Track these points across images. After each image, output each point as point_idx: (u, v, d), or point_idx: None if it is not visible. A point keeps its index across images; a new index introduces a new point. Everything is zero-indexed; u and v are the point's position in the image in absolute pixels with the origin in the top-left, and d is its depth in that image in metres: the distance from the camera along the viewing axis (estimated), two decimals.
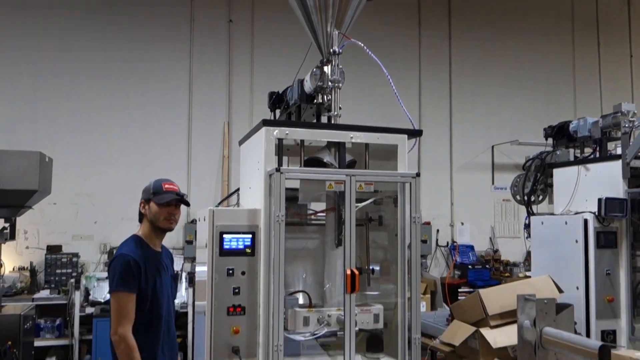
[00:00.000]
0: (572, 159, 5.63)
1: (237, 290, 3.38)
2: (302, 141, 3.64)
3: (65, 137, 7.86)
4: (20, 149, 5.23)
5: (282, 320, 3.19)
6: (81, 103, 8.07)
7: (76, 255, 7.51)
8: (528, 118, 9.69)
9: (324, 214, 3.87)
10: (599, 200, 4.85)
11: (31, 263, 7.47)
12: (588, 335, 4.69)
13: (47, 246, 7.60)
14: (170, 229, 3.01)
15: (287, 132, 3.42)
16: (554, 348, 3.62)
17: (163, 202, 2.93)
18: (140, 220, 3.05)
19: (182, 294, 7.50)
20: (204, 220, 3.57)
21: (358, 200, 3.49)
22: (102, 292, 7.12)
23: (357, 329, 3.37)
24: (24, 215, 5.91)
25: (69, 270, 7.40)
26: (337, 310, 3.46)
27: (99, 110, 8.12)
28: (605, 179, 5.11)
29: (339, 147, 3.57)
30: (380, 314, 3.58)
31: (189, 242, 7.82)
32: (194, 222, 7.70)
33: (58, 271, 7.38)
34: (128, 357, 2.69)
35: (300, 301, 3.71)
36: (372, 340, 3.67)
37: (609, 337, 4.80)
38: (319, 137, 3.51)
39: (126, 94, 8.24)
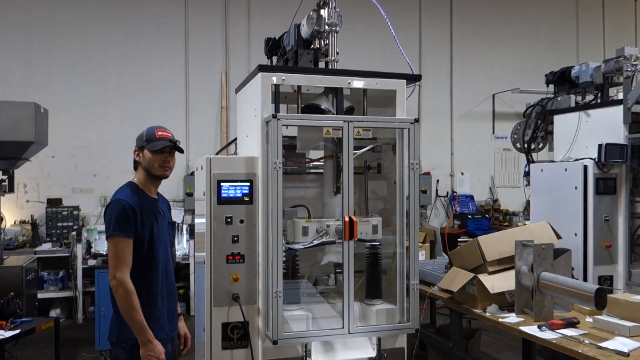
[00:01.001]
0: (573, 105, 5.57)
1: (236, 239, 3.40)
2: (299, 87, 3.58)
3: (61, 90, 7.77)
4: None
5: (282, 267, 3.20)
6: (76, 55, 7.94)
7: (77, 208, 7.53)
8: (530, 66, 9.54)
9: (322, 163, 3.85)
10: (599, 146, 4.81)
11: (32, 216, 7.50)
12: (585, 280, 4.73)
13: (48, 199, 7.61)
14: (165, 176, 2.98)
15: (283, 77, 3.36)
16: (550, 292, 3.67)
17: (156, 149, 2.89)
18: (135, 168, 3.02)
19: (184, 245, 7.56)
20: (202, 169, 3.55)
21: (356, 148, 3.45)
22: (103, 244, 7.15)
23: (356, 238, 3.36)
24: (23, 168, 5.89)
25: (70, 224, 7.44)
26: (335, 221, 3.46)
27: (94, 62, 7.99)
28: (606, 125, 5.06)
29: (336, 93, 3.51)
30: (379, 225, 3.57)
31: (189, 194, 7.84)
32: (193, 174, 7.69)
33: (59, 224, 7.41)
34: (126, 301, 2.70)
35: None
36: (370, 287, 3.70)
37: (606, 282, 4.85)
38: (316, 82, 3.44)
39: (122, 45, 8.10)
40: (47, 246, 7.19)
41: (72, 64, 7.91)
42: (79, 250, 6.86)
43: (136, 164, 3.00)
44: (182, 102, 8.23)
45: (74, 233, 7.09)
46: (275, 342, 3.16)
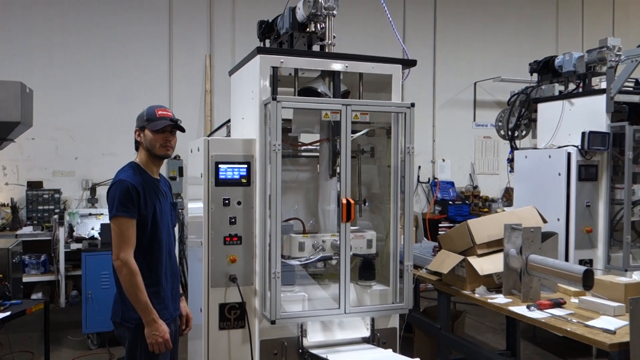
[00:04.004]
0: (556, 93, 5.69)
1: (233, 220, 3.42)
2: (297, 70, 3.59)
3: (42, 71, 7.60)
4: None
5: (280, 248, 3.23)
6: (57, 36, 7.75)
7: (58, 191, 7.41)
8: (510, 55, 9.66)
9: (315, 146, 3.88)
10: (583, 134, 4.94)
11: (12, 199, 7.36)
12: None
13: (28, 182, 7.47)
14: (168, 156, 2.98)
15: (281, 60, 3.38)
16: (539, 274, 3.77)
17: (157, 129, 2.88)
18: (137, 149, 3.00)
19: None
20: (198, 151, 3.55)
21: (351, 132, 3.49)
22: (86, 228, 7.10)
23: (351, 253, 3.44)
24: (2, 150, 5.77)
25: (51, 207, 7.32)
26: (331, 236, 3.53)
27: (75, 43, 7.82)
28: (589, 114, 5.19)
29: (333, 76, 3.54)
30: (373, 240, 3.66)
31: (172, 178, 7.78)
32: (177, 158, 7.66)
33: (40, 207, 7.29)
34: (130, 281, 2.70)
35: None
36: (364, 269, 3.76)
37: (586, 265, 5.00)
38: (314, 65, 3.47)
39: (103, 26, 7.95)
40: (28, 229, 7.07)
41: (52, 45, 7.74)
42: (62, 233, 6.75)
43: (137, 144, 2.99)
44: (165, 84, 8.13)
45: (56, 216, 6.98)
46: (273, 322, 3.21)
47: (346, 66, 3.49)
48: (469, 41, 9.68)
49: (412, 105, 3.46)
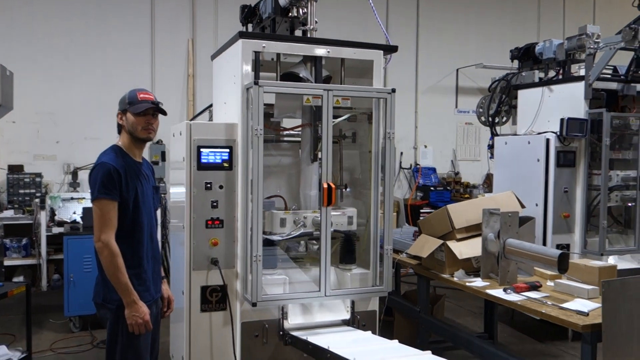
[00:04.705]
0: (537, 80, 5.76)
1: (215, 204, 3.45)
2: (279, 55, 3.61)
3: (22, 54, 7.49)
4: None
5: (261, 231, 3.27)
6: (38, 19, 7.64)
7: (39, 175, 7.35)
8: (492, 41, 9.71)
9: (297, 131, 3.91)
10: (561, 120, 5.01)
11: None
12: None
13: (9, 166, 7.40)
14: (150, 139, 2.98)
15: (264, 44, 3.39)
16: (516, 258, 3.85)
17: (139, 112, 2.88)
18: (119, 132, 3.00)
19: None
20: (180, 135, 3.56)
21: (333, 117, 3.52)
22: (67, 212, 7.07)
23: (332, 229, 3.47)
24: None
25: (33, 191, 7.27)
26: (312, 213, 3.56)
27: (57, 27, 7.72)
28: (568, 100, 5.27)
29: (315, 61, 3.56)
30: (354, 217, 3.70)
31: (155, 163, 7.75)
32: (159, 142, 7.64)
33: (21, 191, 7.23)
34: (111, 262, 2.72)
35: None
36: (345, 252, 3.81)
37: (563, 250, 5.10)
38: (297, 50, 3.48)
39: (85, 10, 7.85)
40: (9, 213, 7.02)
41: (33, 29, 7.63)
42: (43, 217, 6.74)
43: (120, 128, 2.99)
44: (147, 69, 8.07)
45: (37, 200, 6.96)
46: (254, 305, 3.25)
47: (328, 51, 3.51)
48: (452, 27, 9.71)
49: (393, 90, 3.49)
